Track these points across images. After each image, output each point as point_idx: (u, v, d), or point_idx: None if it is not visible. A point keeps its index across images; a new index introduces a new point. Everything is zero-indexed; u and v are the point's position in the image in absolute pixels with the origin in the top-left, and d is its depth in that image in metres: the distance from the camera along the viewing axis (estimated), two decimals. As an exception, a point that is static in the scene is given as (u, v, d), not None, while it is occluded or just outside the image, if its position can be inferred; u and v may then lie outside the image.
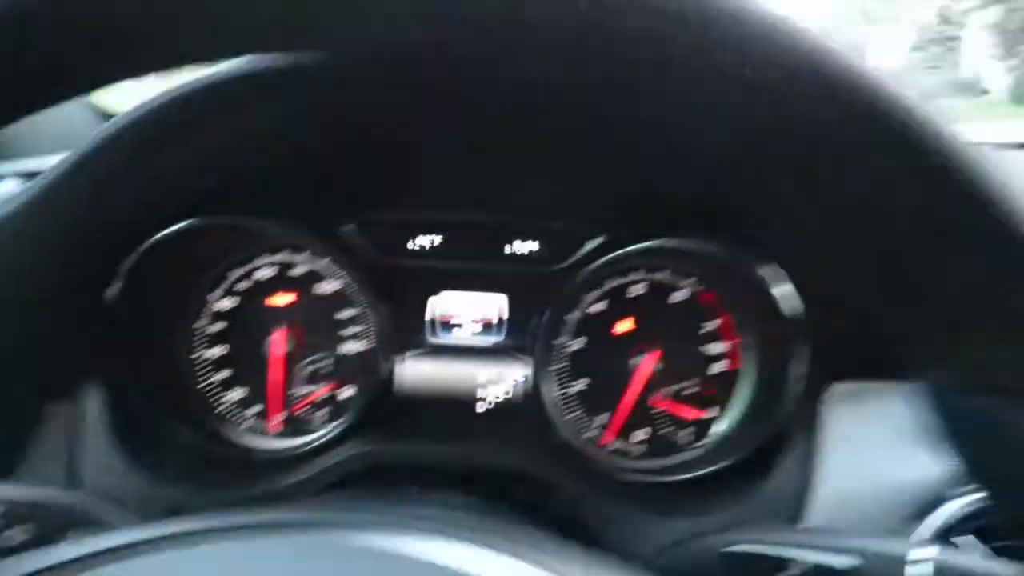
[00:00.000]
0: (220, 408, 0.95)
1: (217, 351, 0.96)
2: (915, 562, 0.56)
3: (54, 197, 0.77)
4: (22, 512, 0.56)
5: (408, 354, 0.95)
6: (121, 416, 0.85)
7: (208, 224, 0.85)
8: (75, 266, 0.80)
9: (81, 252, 0.80)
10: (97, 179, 0.78)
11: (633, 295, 0.96)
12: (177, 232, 0.84)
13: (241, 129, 0.79)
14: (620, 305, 0.96)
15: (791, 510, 0.82)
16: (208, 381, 0.95)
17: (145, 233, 0.85)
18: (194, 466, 0.88)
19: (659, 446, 0.96)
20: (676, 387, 0.96)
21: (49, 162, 1.03)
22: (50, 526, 0.57)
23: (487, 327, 0.97)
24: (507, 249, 0.96)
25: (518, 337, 0.97)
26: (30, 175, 1.07)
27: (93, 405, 0.83)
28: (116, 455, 0.82)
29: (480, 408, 0.96)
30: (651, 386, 0.96)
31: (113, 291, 0.83)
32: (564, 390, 0.96)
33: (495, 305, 0.97)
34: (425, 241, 0.95)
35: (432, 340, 0.95)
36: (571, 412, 0.96)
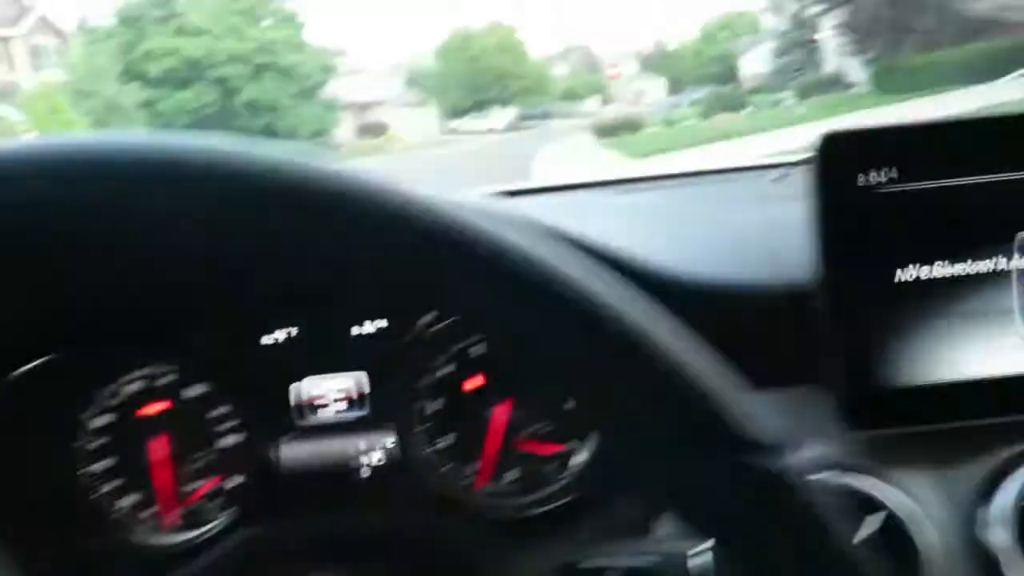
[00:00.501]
0: (116, 514, 1.01)
1: (103, 464, 1.02)
2: (695, 554, 0.66)
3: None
4: None
5: (283, 439, 1.03)
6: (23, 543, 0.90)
7: (60, 359, 0.92)
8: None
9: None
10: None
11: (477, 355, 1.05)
12: (28, 371, 0.90)
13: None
14: (465, 365, 1.05)
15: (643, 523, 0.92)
16: (99, 493, 1.01)
17: None
18: (100, 568, 0.94)
19: (529, 483, 1.05)
20: (534, 427, 1.05)
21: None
22: None
23: (351, 403, 1.05)
24: (356, 330, 1.04)
25: (380, 408, 1.05)
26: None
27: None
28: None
29: (362, 475, 1.04)
30: (511, 430, 1.05)
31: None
32: (431, 448, 1.05)
33: (357, 381, 1.05)
34: (280, 335, 1.04)
35: (300, 423, 1.03)
36: (444, 466, 1.04)
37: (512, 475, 1.06)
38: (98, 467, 1.02)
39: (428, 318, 1.02)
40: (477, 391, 1.05)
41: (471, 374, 1.05)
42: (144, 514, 1.03)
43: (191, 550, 1.00)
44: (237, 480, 1.04)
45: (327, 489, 1.04)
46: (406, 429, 1.04)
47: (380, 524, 1.01)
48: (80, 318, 0.93)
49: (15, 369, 0.90)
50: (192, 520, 1.03)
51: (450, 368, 1.05)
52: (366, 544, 1.02)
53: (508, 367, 1.03)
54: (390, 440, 1.05)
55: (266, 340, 1.03)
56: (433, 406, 1.05)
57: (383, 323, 1.05)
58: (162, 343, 0.96)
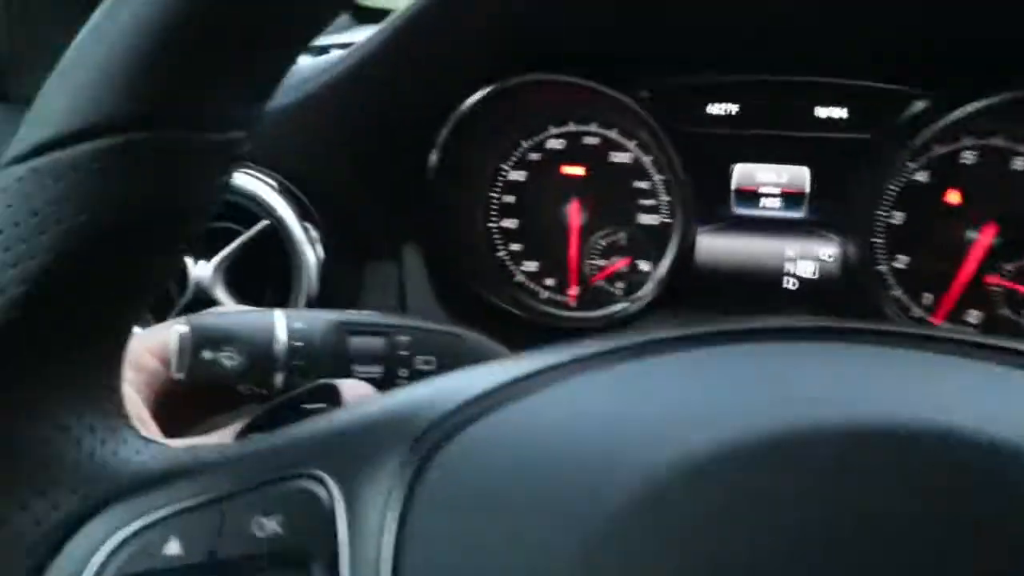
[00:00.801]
0: (517, 278, 0.95)
1: (510, 223, 0.95)
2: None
3: (371, 65, 0.79)
4: (422, 341, 0.56)
5: (710, 226, 0.91)
6: (438, 279, 0.86)
7: (518, 84, 0.85)
8: (394, 135, 0.82)
9: (399, 121, 0.82)
10: (411, 45, 0.79)
11: (963, 163, 0.87)
12: (491, 93, 0.84)
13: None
14: (947, 175, 0.87)
15: None
16: (505, 251, 0.95)
17: (452, 101, 0.86)
18: (504, 331, 0.89)
19: (997, 328, 0.87)
20: (1017, 264, 0.86)
21: (340, 39, 1.07)
22: (447, 358, 0.57)
23: (790, 200, 0.91)
24: (812, 115, 0.89)
25: (825, 211, 0.90)
26: (321, 50, 1.12)
27: (414, 267, 0.85)
28: (437, 314, 0.84)
29: (787, 284, 0.91)
30: (987, 263, 0.87)
31: (432, 160, 0.85)
32: (883, 267, 0.89)
33: (796, 177, 0.91)
34: (722, 108, 0.91)
35: (737, 211, 0.91)
36: (891, 291, 0.89)
37: (975, 316, 0.88)
38: (506, 224, 0.96)
39: (916, 109, 0.85)
40: (955, 208, 0.87)
41: (951, 187, 0.87)
42: (545, 283, 0.96)
43: (595, 331, 0.92)
44: (647, 265, 0.94)
45: (750, 291, 0.92)
46: (854, 240, 0.89)
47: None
48: (532, 53, 0.85)
49: (466, 98, 0.84)
50: (593, 300, 0.95)
51: (924, 176, 0.88)
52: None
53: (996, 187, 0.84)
54: (828, 250, 0.90)
55: (714, 109, 0.90)
56: (895, 218, 0.89)
57: (842, 112, 0.89)
58: (613, 84, 0.86)
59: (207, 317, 0.54)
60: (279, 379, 0.54)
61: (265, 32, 0.34)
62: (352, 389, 0.52)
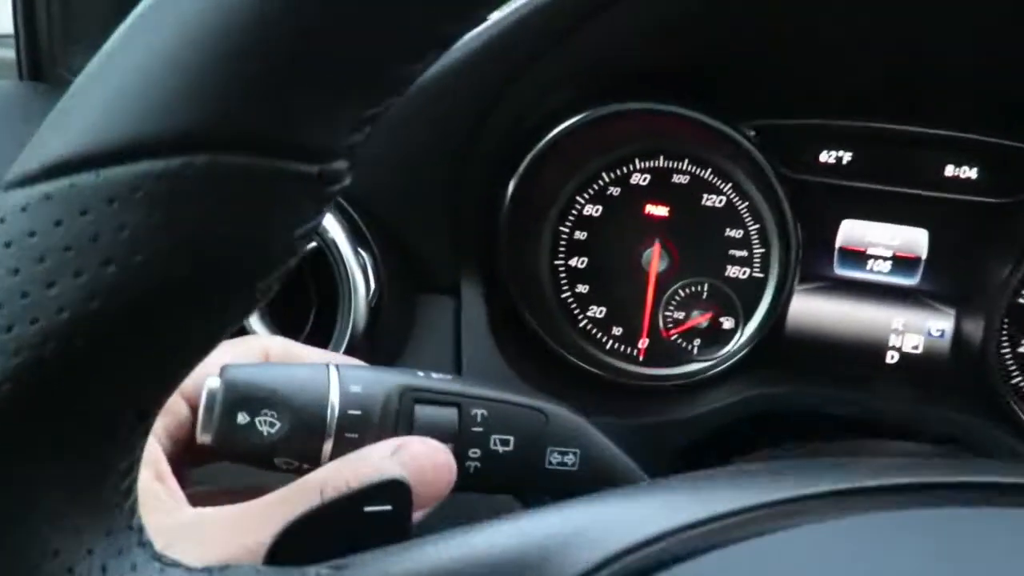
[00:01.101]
0: (582, 323, 0.84)
1: (578, 262, 0.85)
2: None
3: (465, 75, 0.70)
4: (500, 416, 0.46)
5: (808, 286, 0.81)
6: (497, 317, 0.77)
7: (613, 112, 0.75)
8: (468, 158, 0.73)
9: (477, 142, 0.72)
10: (502, 61, 0.70)
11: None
12: (583, 120, 0.74)
13: (654, 14, 0.70)
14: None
15: None
16: (570, 292, 0.85)
17: (540, 127, 0.77)
18: (563, 381, 0.79)
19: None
20: None
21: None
22: (527, 439, 0.47)
23: (902, 264, 0.81)
24: (938, 172, 0.79)
25: (940, 281, 0.80)
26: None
27: (472, 300, 0.75)
28: (494, 355, 0.74)
29: (890, 358, 0.80)
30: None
31: (510, 188, 0.75)
32: (1005, 351, 0.78)
33: (912, 240, 0.80)
34: (835, 155, 0.81)
35: (839, 272, 0.81)
36: (1012, 379, 0.78)
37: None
38: (573, 262, 0.86)
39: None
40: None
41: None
42: (611, 332, 0.86)
43: (668, 391, 0.82)
44: (733, 322, 0.83)
45: (846, 361, 0.81)
46: (972, 316, 0.78)
47: (908, 418, 0.77)
48: (632, 81, 0.76)
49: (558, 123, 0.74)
50: (662, 356, 0.85)
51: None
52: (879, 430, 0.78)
53: None
54: (939, 325, 0.80)
55: (826, 156, 0.80)
56: (1024, 297, 0.78)
57: (971, 172, 0.78)
58: (717, 118, 0.76)
59: (245, 370, 0.44)
60: (326, 452, 0.44)
61: (388, 38, 0.24)
62: (427, 488, 0.42)
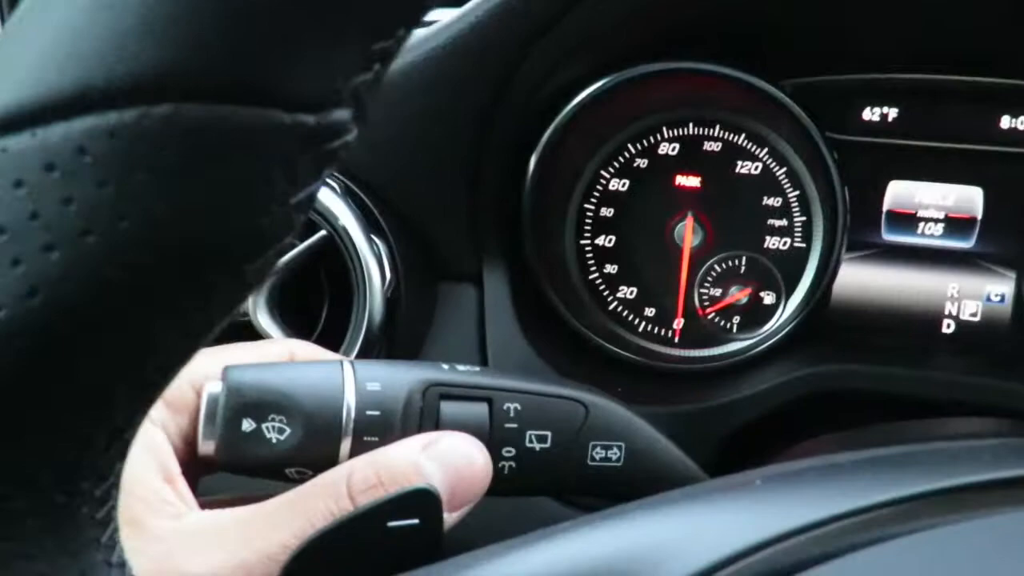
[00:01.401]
0: (612, 305, 0.79)
1: (606, 240, 0.80)
2: None
3: (466, 47, 0.65)
4: (535, 410, 0.41)
5: (854, 255, 0.75)
6: (523, 303, 0.72)
7: (641, 74, 0.70)
8: (486, 132, 0.68)
9: (495, 114, 0.67)
10: (519, 24, 0.64)
11: None
12: (608, 85, 0.69)
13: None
14: None
15: None
16: (598, 273, 0.80)
17: (561, 95, 0.72)
18: (596, 367, 0.74)
19: None
20: None
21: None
22: (566, 434, 0.42)
23: (956, 226, 0.75)
24: (993, 125, 0.73)
25: (998, 241, 0.74)
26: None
27: (496, 287, 0.70)
28: (521, 343, 0.69)
29: (946, 328, 0.74)
30: None
31: (532, 163, 0.70)
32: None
33: (966, 199, 0.75)
34: (879, 112, 0.75)
35: (888, 238, 0.75)
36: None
37: None
38: (600, 241, 0.81)
39: None
40: None
41: None
42: (644, 313, 0.81)
43: (707, 374, 0.77)
44: (775, 297, 0.78)
45: (899, 334, 0.76)
46: (1036, 279, 0.72)
47: (967, 392, 0.71)
48: (658, 44, 0.70)
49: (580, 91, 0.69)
50: (699, 337, 0.80)
51: None
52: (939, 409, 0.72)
53: None
54: (998, 289, 0.74)
55: (869, 114, 0.74)
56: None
57: (1031, 124, 0.72)
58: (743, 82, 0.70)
59: (250, 372, 0.39)
60: (343, 458, 0.39)
61: None
62: (461, 492, 0.37)
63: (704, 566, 0.22)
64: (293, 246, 0.64)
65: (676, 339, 0.80)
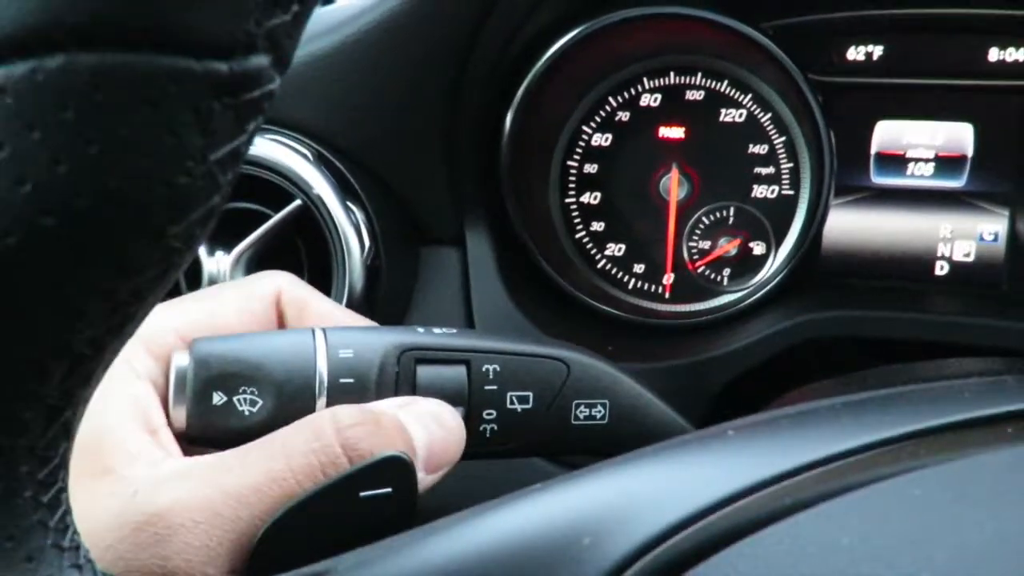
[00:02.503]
0: (601, 263, 0.78)
1: (591, 198, 0.79)
2: None
3: (442, 4, 0.63)
4: (515, 370, 0.40)
5: (844, 199, 0.74)
6: (507, 265, 0.70)
7: (613, 23, 0.68)
8: (459, 91, 0.66)
9: (467, 73, 0.65)
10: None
11: None
12: (579, 36, 0.67)
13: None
14: None
15: None
16: (585, 232, 0.78)
17: (532, 48, 0.70)
18: (585, 326, 0.73)
19: None
20: None
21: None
22: (548, 394, 0.41)
23: (946, 165, 0.73)
24: (980, 58, 0.71)
25: (990, 179, 0.73)
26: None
27: (479, 250, 0.69)
28: (507, 306, 0.68)
29: (939, 270, 0.73)
30: None
31: (507, 122, 0.68)
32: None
33: (956, 137, 0.73)
34: (863, 51, 0.73)
35: (877, 181, 0.73)
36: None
37: None
38: (586, 198, 0.79)
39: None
40: None
41: None
42: (633, 269, 0.79)
43: (698, 328, 0.75)
44: (762, 247, 0.77)
45: (891, 278, 0.75)
46: (1028, 215, 0.71)
47: (962, 335, 0.70)
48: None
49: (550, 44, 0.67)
50: (692, 290, 0.78)
51: None
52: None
53: None
54: (992, 228, 0.73)
55: (853, 53, 0.72)
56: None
57: (1019, 54, 0.70)
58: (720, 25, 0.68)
59: (218, 343, 0.38)
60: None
61: None
62: (434, 460, 0.36)
63: (675, 521, 0.21)
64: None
65: (667, 294, 0.79)
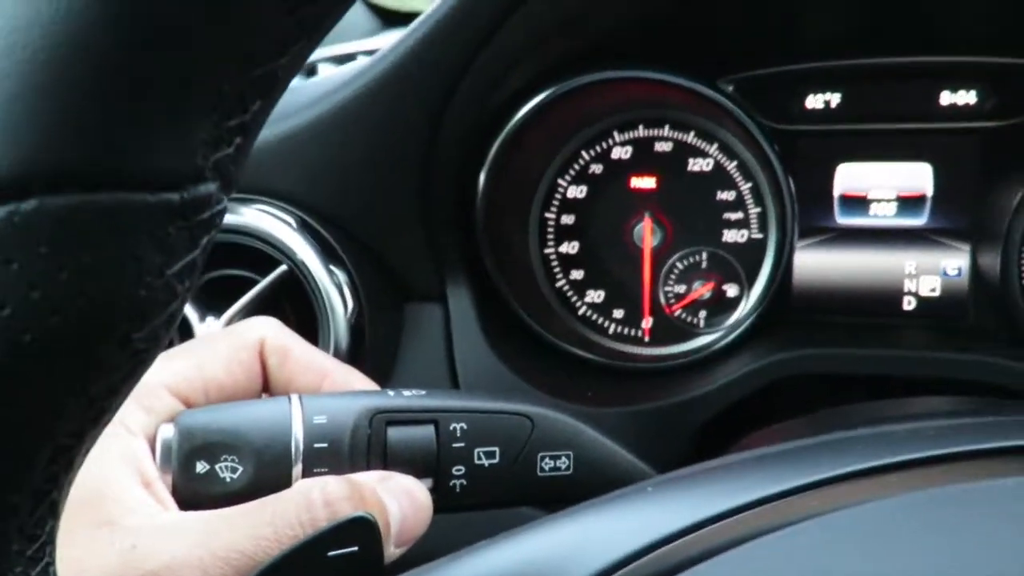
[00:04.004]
0: (581, 311, 0.81)
1: (569, 247, 0.82)
2: None
3: (405, 73, 0.66)
4: (482, 427, 0.43)
5: (810, 240, 0.77)
6: (489, 317, 0.73)
7: (579, 86, 0.71)
8: (434, 154, 0.69)
9: (440, 136, 0.69)
10: (451, 47, 0.66)
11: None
12: (548, 99, 0.71)
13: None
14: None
15: None
16: (565, 280, 0.81)
17: (503, 111, 0.73)
18: (567, 373, 0.76)
19: None
20: None
21: (364, 45, 0.94)
22: (514, 448, 0.44)
23: (907, 204, 0.76)
24: (934, 102, 0.75)
25: (950, 216, 0.76)
26: (343, 58, 0.99)
27: (460, 304, 0.72)
28: (490, 358, 0.71)
29: (907, 305, 0.76)
30: None
31: (482, 179, 0.72)
32: (1026, 281, 0.74)
33: (915, 177, 0.76)
34: (821, 99, 0.76)
35: (842, 221, 0.76)
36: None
37: None
38: (564, 248, 0.82)
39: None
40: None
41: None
42: (613, 315, 0.82)
43: (677, 369, 0.78)
44: (737, 289, 0.79)
45: (861, 314, 0.77)
46: (987, 250, 0.74)
47: (932, 368, 0.72)
48: (600, 51, 0.72)
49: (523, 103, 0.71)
50: (668, 333, 0.81)
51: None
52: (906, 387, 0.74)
53: None
54: (955, 263, 0.76)
55: (812, 101, 0.75)
56: (1039, 222, 0.73)
57: (970, 96, 0.74)
58: (690, 77, 0.72)
59: (201, 415, 0.41)
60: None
61: (233, 32, 0.21)
62: (405, 534, 0.39)
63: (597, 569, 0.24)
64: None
65: (646, 338, 0.82)
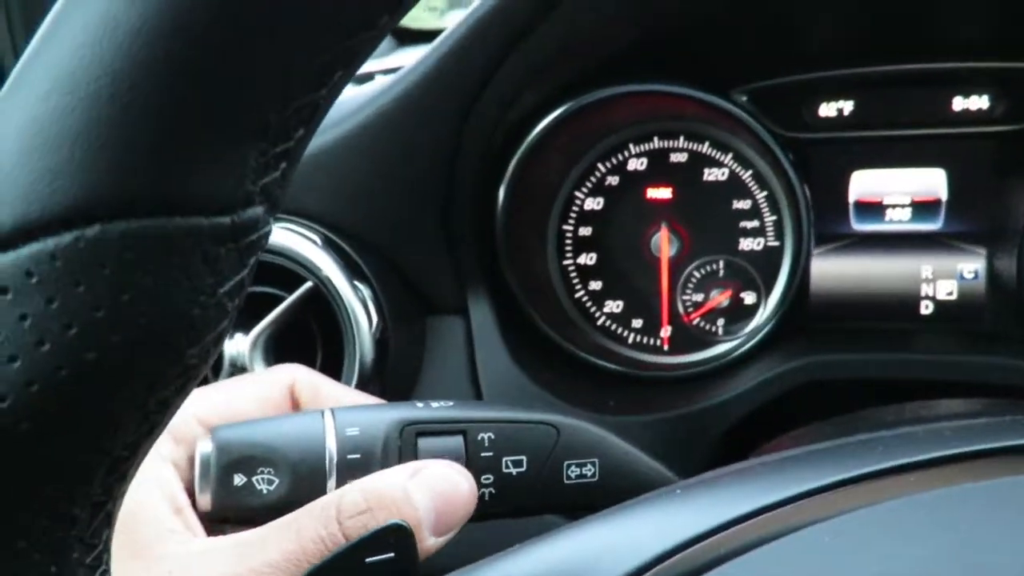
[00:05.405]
0: (600, 321, 0.82)
1: (587, 258, 0.83)
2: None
3: (425, 91, 0.68)
4: (509, 437, 0.44)
5: (826, 247, 0.77)
6: (510, 329, 0.74)
7: (595, 100, 0.73)
8: (454, 170, 0.70)
9: (460, 153, 0.70)
10: (471, 65, 0.67)
11: None
12: (564, 114, 0.72)
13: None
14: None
15: None
16: (584, 291, 0.82)
17: (521, 127, 0.75)
18: (588, 383, 0.76)
19: None
20: None
21: (382, 65, 0.96)
22: (541, 456, 0.45)
23: (923, 209, 0.77)
24: (947, 107, 0.75)
25: (965, 220, 0.76)
26: (362, 78, 1.00)
27: (482, 317, 0.73)
28: (511, 370, 0.72)
29: (924, 309, 0.76)
30: None
31: (501, 194, 0.73)
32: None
33: (929, 182, 0.77)
34: (835, 107, 0.77)
35: (858, 227, 0.77)
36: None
37: None
38: (582, 260, 0.83)
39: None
40: None
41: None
42: (632, 324, 0.83)
43: (696, 378, 0.79)
44: (753, 297, 0.80)
45: (878, 320, 0.78)
46: (1004, 252, 0.74)
47: (951, 372, 0.73)
48: (613, 65, 0.73)
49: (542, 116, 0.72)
50: (687, 342, 0.82)
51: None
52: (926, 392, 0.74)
53: None
54: (971, 266, 0.76)
55: (826, 110, 0.76)
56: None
57: (982, 101, 0.74)
58: (703, 89, 0.73)
59: (237, 430, 0.43)
60: (332, 501, 0.42)
61: (281, 64, 0.23)
62: (442, 521, 0.40)
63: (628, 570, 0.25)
64: (277, 299, 0.67)
65: (665, 347, 0.83)
